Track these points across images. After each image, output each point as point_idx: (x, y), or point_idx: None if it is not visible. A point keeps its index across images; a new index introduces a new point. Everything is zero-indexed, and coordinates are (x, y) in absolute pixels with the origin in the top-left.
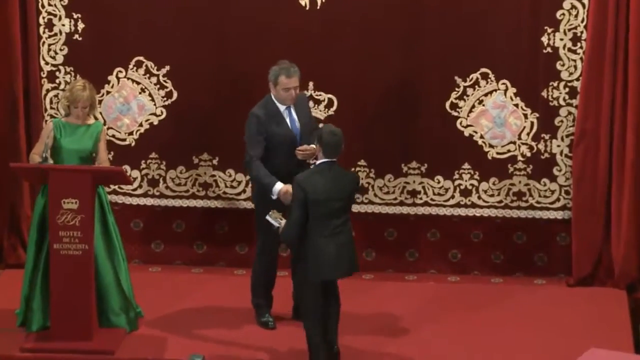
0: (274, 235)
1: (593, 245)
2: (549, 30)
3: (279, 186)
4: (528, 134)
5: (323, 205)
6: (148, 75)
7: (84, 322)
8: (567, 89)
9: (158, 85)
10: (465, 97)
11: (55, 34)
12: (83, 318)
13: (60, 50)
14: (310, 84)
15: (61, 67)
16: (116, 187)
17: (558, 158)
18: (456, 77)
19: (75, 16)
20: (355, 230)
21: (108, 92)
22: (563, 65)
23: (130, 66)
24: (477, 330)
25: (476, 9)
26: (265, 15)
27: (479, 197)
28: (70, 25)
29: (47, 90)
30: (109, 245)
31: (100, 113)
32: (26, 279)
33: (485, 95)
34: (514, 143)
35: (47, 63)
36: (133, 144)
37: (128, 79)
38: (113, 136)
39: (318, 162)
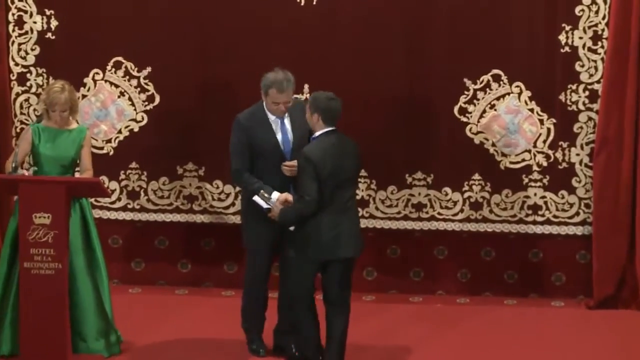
0: (266, 259)
1: (616, 264)
2: (567, 28)
3: (275, 195)
4: (544, 142)
5: (333, 178)
6: (128, 77)
7: (57, 348)
8: (587, 92)
9: (139, 89)
10: (475, 101)
11: (26, 32)
12: (55, 344)
13: (32, 50)
14: (306, 86)
15: (32, 69)
16: (92, 200)
17: (577, 168)
18: (465, 79)
19: (47, 13)
20: None
21: (84, 96)
22: (582, 66)
23: (108, 67)
24: (489, 357)
25: (487, 4)
26: (256, 13)
27: (491, 211)
28: (42, 23)
29: (17, 94)
30: (91, 261)
31: (77, 120)
32: None
33: (498, 99)
34: (529, 152)
35: (17, 64)
36: (111, 152)
37: (106, 81)
38: None
39: (317, 133)
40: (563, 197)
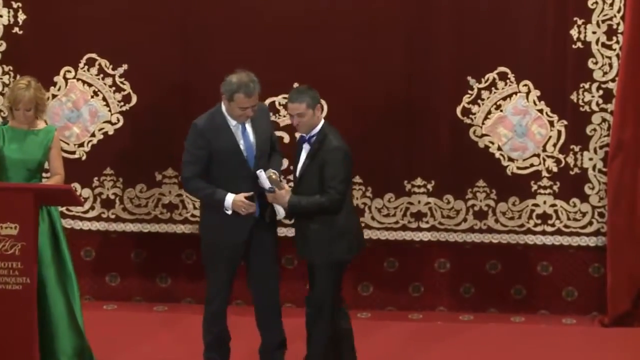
0: (227, 273)
1: (632, 278)
2: (579, 22)
3: (230, 197)
4: (554, 145)
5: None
6: (102, 75)
7: None
8: (600, 92)
9: (114, 88)
10: (479, 101)
11: None
12: None
13: None
14: (295, 85)
15: None
16: (63, 208)
17: (590, 174)
18: (469, 78)
19: (15, 5)
20: None
21: (54, 96)
22: (596, 63)
23: (81, 65)
24: None
25: None
26: (242, 4)
27: (497, 221)
28: (9, 17)
29: None
30: (63, 274)
31: (45, 121)
32: None
33: (504, 99)
34: (538, 156)
35: None
36: (84, 157)
37: (78, 80)
38: (61, 148)
39: (319, 126)
40: (575, 206)
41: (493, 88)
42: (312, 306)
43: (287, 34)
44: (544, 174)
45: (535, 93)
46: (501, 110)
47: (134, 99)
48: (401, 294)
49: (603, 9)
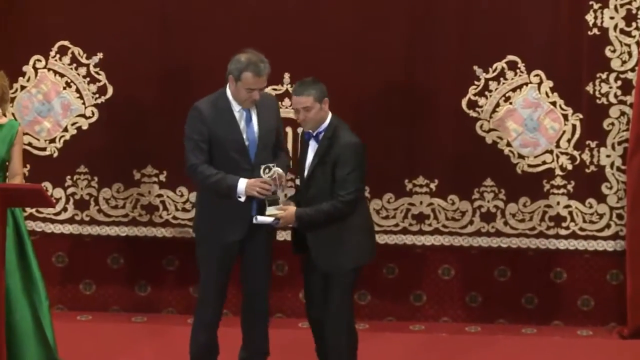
0: (222, 275)
1: None
2: (596, 6)
3: (243, 182)
4: (569, 141)
5: None
6: (75, 65)
7: None
8: (619, 83)
9: (88, 79)
10: (487, 92)
11: None
12: None
13: None
14: (286, 76)
15: None
16: (33, 210)
17: (608, 172)
18: (475, 67)
19: None
20: None
21: (23, 87)
22: (614, 51)
23: (52, 54)
24: None
25: None
26: None
27: (506, 223)
28: None
29: None
30: (28, 282)
31: (13, 114)
32: None
33: (513, 90)
34: (551, 152)
35: None
36: (55, 154)
37: (49, 70)
38: (30, 144)
39: (328, 120)
40: (591, 207)
41: (502, 78)
42: (330, 325)
43: (276, 22)
44: (558, 172)
45: (547, 84)
46: (510, 103)
47: (110, 91)
48: (401, 303)
49: None
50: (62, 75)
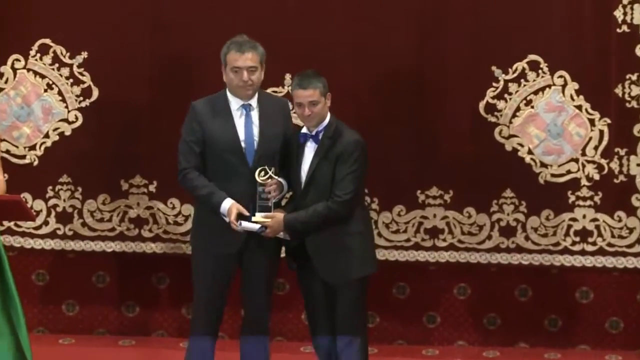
0: (218, 292)
1: None
2: (625, 2)
3: (228, 203)
4: (596, 148)
5: None
6: (57, 65)
7: None
8: None
9: (71, 80)
10: (506, 95)
11: None
12: None
13: None
14: (287, 77)
15: None
16: (11, 224)
17: (638, 182)
18: (494, 68)
19: None
20: None
21: (0, 90)
22: None
23: (32, 53)
24: None
25: None
26: None
27: (527, 238)
28: None
29: None
30: (5, 300)
31: None
32: None
33: (535, 93)
34: (576, 161)
35: None
36: (35, 162)
37: (29, 70)
38: (7, 151)
39: (328, 117)
40: (620, 220)
41: (522, 80)
42: (341, 348)
43: (276, 19)
44: (584, 182)
45: (572, 86)
46: (532, 107)
47: (96, 93)
48: (413, 325)
49: None
50: (43, 77)
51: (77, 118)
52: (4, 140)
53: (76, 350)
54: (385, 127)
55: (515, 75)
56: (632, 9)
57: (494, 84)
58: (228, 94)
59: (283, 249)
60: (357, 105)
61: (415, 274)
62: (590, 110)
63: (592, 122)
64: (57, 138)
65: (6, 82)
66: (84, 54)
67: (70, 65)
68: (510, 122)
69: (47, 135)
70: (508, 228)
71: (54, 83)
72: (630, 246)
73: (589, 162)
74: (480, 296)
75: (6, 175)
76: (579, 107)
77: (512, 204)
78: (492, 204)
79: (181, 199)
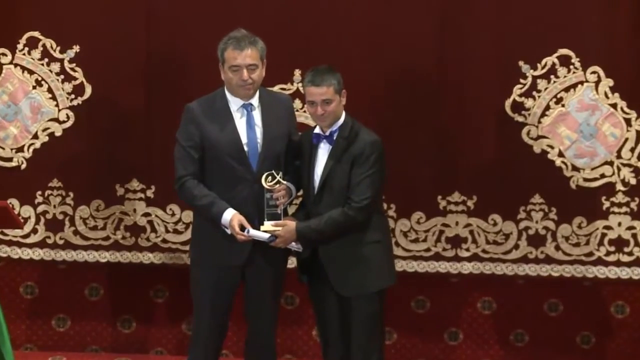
0: (220, 309)
1: None
2: None
3: (230, 213)
4: (632, 150)
5: None
6: (47, 60)
7: None
8: None
9: (62, 76)
10: (535, 93)
11: None
12: None
13: None
14: (297, 73)
15: None
16: None
17: None
18: (521, 63)
19: None
20: None
21: None
22: None
23: (20, 47)
24: None
25: None
26: None
27: (557, 248)
28: None
29: None
30: None
31: None
32: None
33: (566, 90)
34: (611, 164)
35: None
36: (23, 165)
37: (16, 66)
38: None
39: (343, 117)
40: None
41: (552, 76)
42: None
43: (282, 10)
44: (619, 187)
45: (606, 83)
46: (563, 105)
47: (88, 91)
48: (434, 342)
49: None
50: (31, 72)
51: (68, 117)
52: None
53: None
54: (404, 127)
55: (544, 70)
56: None
57: (521, 81)
58: (227, 93)
59: (292, 259)
60: (372, 104)
61: (436, 286)
62: (626, 109)
63: (628, 122)
64: (46, 139)
65: None
66: (76, 48)
67: (61, 60)
68: (539, 122)
69: (35, 136)
70: (537, 237)
71: (43, 79)
72: None
73: (624, 165)
74: (507, 311)
75: None
76: (614, 106)
77: (541, 211)
78: (519, 211)
79: (181, 205)
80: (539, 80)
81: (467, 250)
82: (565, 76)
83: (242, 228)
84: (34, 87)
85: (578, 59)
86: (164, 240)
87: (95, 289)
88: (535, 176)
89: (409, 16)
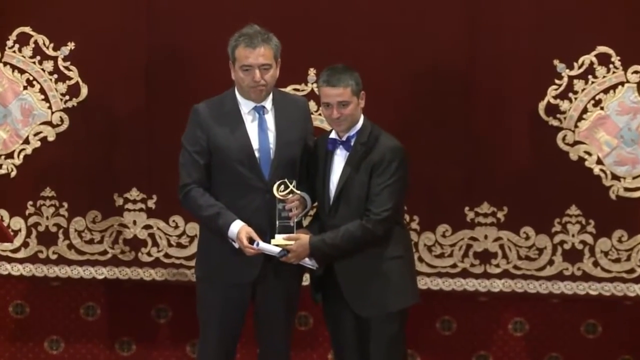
0: (228, 330)
1: None
2: None
3: (237, 225)
4: None
5: None
6: (39, 58)
7: None
8: None
9: (56, 75)
10: (571, 94)
11: None
12: None
13: None
14: (311, 72)
15: None
16: None
17: None
18: (556, 62)
19: None
20: None
21: None
22: None
23: (10, 43)
24: None
25: None
26: None
27: (596, 264)
28: None
29: None
30: None
31: None
32: None
33: (605, 91)
34: None
35: None
36: (13, 173)
37: (5, 64)
38: None
39: (361, 121)
40: None
41: (590, 76)
42: None
43: (293, 2)
44: None
45: None
46: (602, 108)
47: (84, 92)
48: None
49: None
50: (22, 72)
51: (62, 120)
52: None
53: None
54: (428, 132)
55: (581, 70)
56: None
57: (556, 81)
58: (237, 94)
59: (305, 276)
60: (394, 107)
61: (463, 306)
62: None
63: None
64: (38, 144)
65: None
66: (71, 45)
67: (55, 58)
68: (576, 127)
69: (26, 141)
70: (573, 252)
71: (35, 79)
72: None
73: None
74: (540, 332)
75: None
76: None
77: (578, 224)
78: (554, 224)
79: (185, 216)
80: (575, 81)
81: (497, 266)
82: (604, 76)
83: (251, 241)
84: (25, 88)
85: (618, 58)
86: (167, 255)
87: (91, 308)
88: (572, 186)
89: (436, 11)
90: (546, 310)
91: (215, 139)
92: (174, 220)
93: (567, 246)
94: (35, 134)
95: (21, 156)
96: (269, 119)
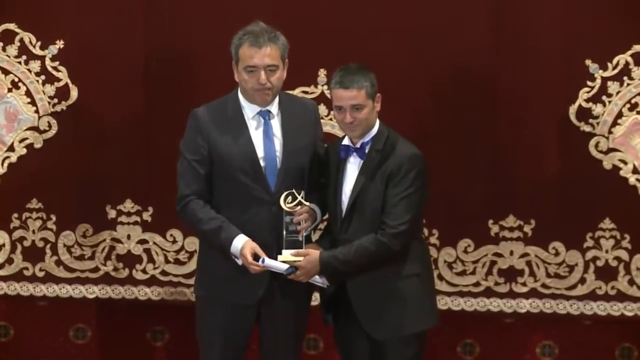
0: (231, 353)
1: None
2: None
3: (241, 240)
4: None
5: None
6: (25, 57)
7: None
8: None
9: (43, 77)
10: (605, 97)
11: None
12: None
13: None
14: (321, 73)
15: None
16: None
17: None
18: (589, 63)
19: None
20: None
21: None
22: None
23: None
24: None
25: None
26: None
27: (631, 282)
28: None
29: None
30: None
31: None
32: None
33: None
34: None
35: None
36: None
37: None
38: None
39: (377, 126)
40: None
41: (625, 78)
42: None
43: (304, 1)
44: None
45: None
46: (638, 112)
47: (74, 94)
48: None
49: None
50: (6, 72)
51: (50, 126)
52: None
53: None
54: (450, 138)
55: (616, 71)
56: None
57: (588, 83)
58: (241, 97)
59: (315, 295)
60: (413, 111)
61: (487, 328)
62: None
63: None
64: (24, 152)
65: None
66: (59, 44)
67: (42, 58)
68: (610, 132)
69: (11, 148)
70: (607, 269)
71: (20, 80)
72: None
73: None
74: (571, 357)
75: None
76: None
77: (612, 238)
78: (586, 238)
79: (184, 230)
80: (609, 83)
81: (524, 284)
82: None
83: (256, 257)
84: (10, 90)
85: None
86: (164, 273)
87: (81, 330)
88: (605, 197)
89: (458, 8)
90: (577, 332)
91: (216, 147)
92: (171, 235)
93: (600, 263)
94: (21, 141)
95: (5, 164)
96: (275, 124)
